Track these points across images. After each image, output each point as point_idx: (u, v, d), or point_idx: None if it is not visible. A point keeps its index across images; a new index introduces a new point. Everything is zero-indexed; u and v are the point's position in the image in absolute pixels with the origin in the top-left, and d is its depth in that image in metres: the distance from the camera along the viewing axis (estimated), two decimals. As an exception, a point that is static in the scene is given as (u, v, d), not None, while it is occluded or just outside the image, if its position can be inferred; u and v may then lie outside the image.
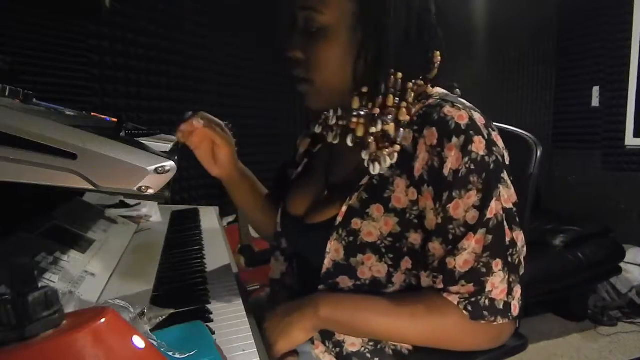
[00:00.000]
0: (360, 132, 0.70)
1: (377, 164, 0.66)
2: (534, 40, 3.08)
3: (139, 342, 0.36)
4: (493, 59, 3.03)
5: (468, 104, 0.69)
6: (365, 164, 0.68)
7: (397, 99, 0.68)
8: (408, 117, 0.67)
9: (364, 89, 0.68)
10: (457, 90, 0.74)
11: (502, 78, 3.06)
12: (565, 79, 3.08)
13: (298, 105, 2.75)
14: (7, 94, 0.59)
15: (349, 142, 0.71)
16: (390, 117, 0.67)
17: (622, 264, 2.42)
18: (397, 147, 0.66)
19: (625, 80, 2.64)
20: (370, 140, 0.68)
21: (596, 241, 2.37)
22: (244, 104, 2.45)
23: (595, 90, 2.83)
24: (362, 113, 0.69)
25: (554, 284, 2.18)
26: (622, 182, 2.72)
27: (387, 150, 0.66)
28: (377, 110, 0.68)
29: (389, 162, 0.66)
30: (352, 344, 0.72)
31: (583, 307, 2.42)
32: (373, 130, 0.67)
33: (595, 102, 2.84)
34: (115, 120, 0.77)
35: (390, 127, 0.67)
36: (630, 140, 2.65)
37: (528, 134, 0.89)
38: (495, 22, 2.99)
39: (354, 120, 0.69)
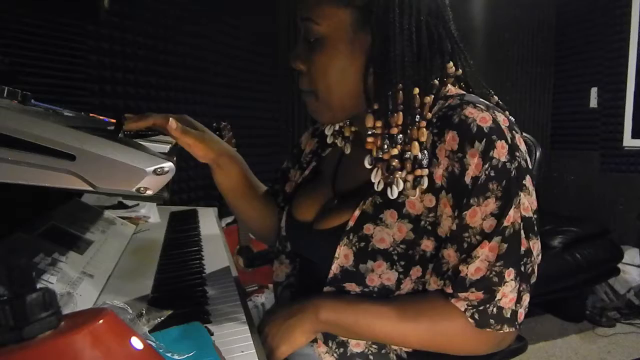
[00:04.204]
0: (375, 153, 0.66)
1: (394, 188, 0.64)
2: (533, 42, 3.09)
3: (137, 343, 0.36)
4: (491, 60, 3.04)
5: (490, 104, 0.66)
6: (376, 186, 0.66)
7: (418, 117, 0.64)
8: (428, 141, 0.64)
9: (375, 106, 0.65)
10: (495, 97, 0.71)
11: (500, 79, 3.07)
12: (563, 80, 3.09)
13: (298, 106, 2.76)
14: (5, 94, 0.59)
15: (367, 164, 0.67)
16: (400, 136, 0.63)
17: (620, 265, 2.43)
18: (426, 171, 0.63)
19: (623, 81, 2.65)
20: (394, 163, 0.64)
21: (594, 242, 2.38)
22: (243, 104, 2.45)
23: (594, 91, 2.84)
24: (377, 132, 0.65)
25: (553, 284, 2.19)
26: (620, 183, 2.73)
27: (415, 172, 0.63)
28: (395, 130, 0.63)
29: (401, 185, 0.64)
30: (357, 344, 0.71)
31: (581, 308, 2.43)
32: (395, 152, 0.64)
33: (593, 103, 2.85)
34: (113, 121, 0.77)
35: (415, 148, 0.63)
36: (628, 141, 2.66)
37: (527, 135, 0.89)
38: (493, 23, 3.00)
39: (369, 140, 0.66)
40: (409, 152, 0.63)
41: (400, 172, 0.64)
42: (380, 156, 0.65)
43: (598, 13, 2.78)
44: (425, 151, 0.63)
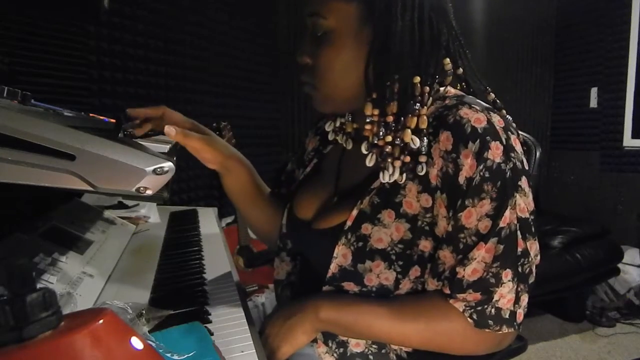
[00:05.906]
0: (371, 139, 0.68)
1: (386, 172, 0.65)
2: (533, 41, 3.09)
3: (137, 343, 0.36)
4: (491, 59, 3.04)
5: (487, 104, 0.67)
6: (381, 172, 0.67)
7: (418, 105, 0.65)
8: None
9: (374, 95, 0.66)
10: (492, 94, 0.71)
11: (500, 79, 3.07)
12: (563, 80, 3.09)
13: (298, 106, 2.75)
14: (5, 94, 0.59)
15: (364, 150, 0.69)
16: (394, 124, 0.65)
17: (620, 265, 2.43)
18: (423, 158, 0.64)
19: (623, 81, 2.65)
20: (387, 149, 0.65)
21: (594, 242, 2.38)
22: (243, 104, 2.45)
23: (594, 91, 2.84)
24: (374, 120, 0.67)
25: (553, 284, 2.19)
26: (620, 183, 2.73)
27: (402, 160, 0.64)
28: (390, 118, 0.65)
29: (392, 170, 0.65)
30: (357, 344, 0.71)
31: (581, 308, 2.43)
32: (389, 139, 0.65)
33: (593, 103, 2.85)
34: (113, 121, 0.77)
35: (407, 135, 0.64)
36: (628, 141, 2.66)
37: (527, 135, 0.90)
38: (494, 22, 3.00)
39: (367, 127, 0.68)
40: (399, 139, 0.65)
41: (391, 158, 0.66)
42: (376, 142, 0.67)
43: (598, 13, 2.78)
44: (425, 138, 0.64)
